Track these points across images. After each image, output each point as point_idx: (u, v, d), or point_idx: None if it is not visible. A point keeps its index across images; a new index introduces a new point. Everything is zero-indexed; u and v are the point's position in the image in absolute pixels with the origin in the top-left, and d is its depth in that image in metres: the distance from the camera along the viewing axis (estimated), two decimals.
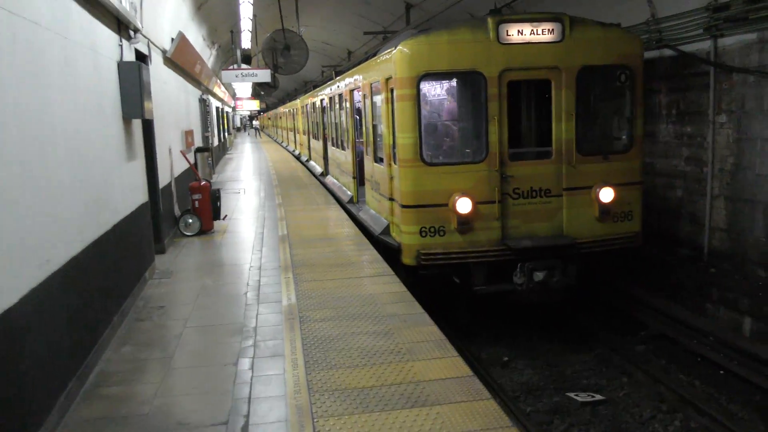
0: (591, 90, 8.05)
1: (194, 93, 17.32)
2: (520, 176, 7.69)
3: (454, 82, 8.31)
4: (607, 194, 7.75)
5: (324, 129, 17.55)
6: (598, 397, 6.84)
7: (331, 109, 15.87)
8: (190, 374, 5.15)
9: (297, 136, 29.72)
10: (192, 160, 13.95)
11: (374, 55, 10.37)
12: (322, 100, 17.81)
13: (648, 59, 8.34)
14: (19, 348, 3.78)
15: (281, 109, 44.00)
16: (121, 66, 7.15)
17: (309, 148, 23.33)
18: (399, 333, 5.58)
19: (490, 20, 7.47)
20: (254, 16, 17.15)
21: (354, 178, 12.53)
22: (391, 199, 8.55)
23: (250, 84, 32.45)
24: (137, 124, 8.04)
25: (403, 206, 7.85)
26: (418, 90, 7.58)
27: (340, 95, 13.76)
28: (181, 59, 12.70)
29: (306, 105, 23.38)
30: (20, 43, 4.18)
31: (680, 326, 8.23)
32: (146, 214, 8.24)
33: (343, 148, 13.82)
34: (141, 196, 7.93)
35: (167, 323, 6.36)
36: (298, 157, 27.70)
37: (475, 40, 7.48)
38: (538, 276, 7.51)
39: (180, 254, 9.58)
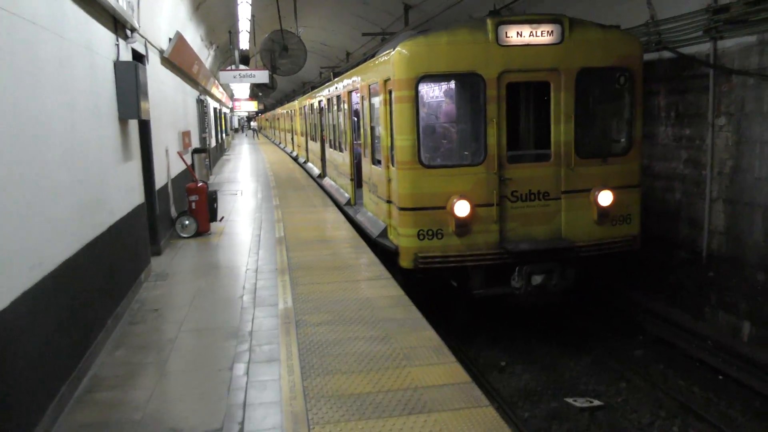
0: (590, 92, 8.01)
1: (192, 93, 17.25)
2: (518, 179, 7.64)
3: (452, 84, 8.26)
4: (605, 197, 7.71)
5: (322, 130, 17.49)
6: (597, 402, 6.78)
7: (329, 111, 15.82)
8: (185, 379, 5.08)
9: (295, 137, 29.66)
10: (189, 161, 13.90)
11: (373, 56, 10.33)
12: (320, 102, 17.75)
13: (647, 61, 8.30)
14: (10, 352, 3.72)
15: (279, 111, 43.95)
16: (118, 66, 7.09)
17: (307, 150, 23.27)
18: (396, 338, 5.52)
19: (489, 22, 7.42)
20: (253, 16, 17.10)
21: (351, 180, 12.47)
22: (389, 202, 8.49)
23: (248, 85, 32.41)
24: (134, 125, 7.97)
25: (401, 209, 7.79)
26: (417, 92, 7.53)
27: (338, 97, 13.71)
28: (178, 59, 12.64)
29: (304, 106, 23.33)
30: (15, 42, 4.12)
31: (679, 330, 8.20)
32: (142, 216, 8.17)
33: (341, 150, 13.77)
34: (137, 197, 7.87)
35: (162, 326, 6.29)
36: (295, 159, 27.64)
37: (474, 42, 7.43)
38: (536, 279, 7.46)
39: (176, 256, 9.51)
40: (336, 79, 14.55)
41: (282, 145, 39.17)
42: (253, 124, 75.53)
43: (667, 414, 6.60)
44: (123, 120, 7.23)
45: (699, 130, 8.31)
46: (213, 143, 25.54)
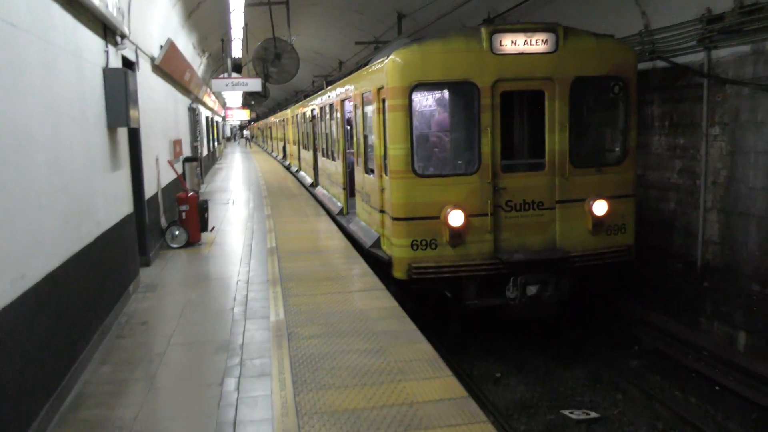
0: (584, 101, 7.98)
1: (183, 101, 17.13)
2: (512, 188, 7.58)
3: (446, 93, 8.20)
4: (600, 207, 7.66)
5: (314, 139, 17.41)
6: (593, 414, 6.70)
7: (321, 119, 15.75)
8: (173, 395, 4.94)
9: (287, 146, 29.57)
10: (180, 170, 13.75)
11: (366, 64, 10.27)
12: (312, 110, 17.68)
13: (641, 71, 8.29)
14: None
15: (272, 119, 43.86)
16: (107, 73, 6.96)
17: (299, 159, 23.18)
18: (391, 351, 5.41)
19: (483, 30, 7.38)
20: (245, 24, 17.03)
21: (344, 189, 12.38)
22: (382, 211, 8.40)
23: (241, 93, 32.31)
24: (123, 133, 7.84)
25: (394, 218, 7.70)
26: (410, 100, 7.46)
27: (331, 105, 13.64)
28: (170, 67, 12.53)
29: (296, 115, 23.25)
30: None
31: (674, 341, 8.13)
32: (131, 226, 8.02)
33: (334, 159, 13.68)
34: (126, 207, 7.72)
35: (150, 340, 6.14)
36: (288, 168, 27.54)
37: (469, 50, 7.38)
38: (531, 290, 7.39)
39: (166, 267, 9.35)
40: (329, 87, 14.49)
41: (274, 154, 39.07)
42: (245, 132, 75.36)
43: (665, 426, 6.53)
44: (112, 128, 7.10)
45: (693, 140, 8.29)
46: (205, 152, 25.38)
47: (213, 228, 12.11)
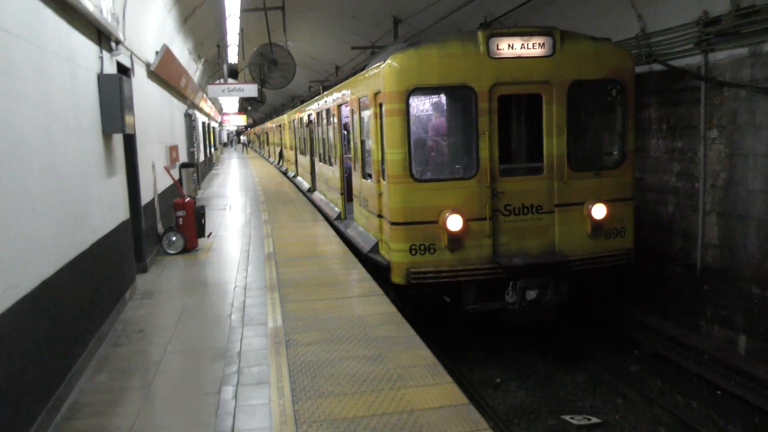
0: (582, 105, 7.95)
1: (179, 107, 17.07)
2: (511, 192, 7.55)
3: (444, 97, 8.18)
4: (599, 210, 7.63)
5: (311, 144, 17.37)
6: (595, 420, 6.64)
7: (318, 124, 15.71)
8: (170, 404, 4.87)
9: (284, 151, 29.53)
10: (176, 176, 13.69)
11: (363, 69, 10.24)
12: (309, 115, 17.65)
13: (638, 74, 8.27)
14: None
15: (268, 125, 43.83)
16: (102, 78, 6.92)
17: (296, 164, 23.14)
18: (390, 357, 5.35)
19: (480, 34, 7.36)
20: (241, 30, 17.00)
21: (342, 194, 12.33)
22: (380, 216, 8.36)
23: (237, 99, 32.27)
24: (118, 139, 7.79)
25: (393, 223, 7.65)
26: (408, 105, 7.43)
27: (328, 110, 13.61)
28: (165, 73, 12.48)
29: (293, 120, 23.22)
30: None
31: (674, 345, 8.09)
32: (127, 233, 7.96)
33: (331, 164, 13.64)
34: (122, 213, 7.66)
35: (146, 348, 6.07)
36: (285, 173, 27.49)
37: (466, 54, 7.36)
38: (531, 294, 7.34)
39: (162, 273, 9.28)
40: (326, 92, 14.47)
41: (271, 159, 39.02)
42: (242, 138, 75.31)
43: (666, 430, 6.47)
44: (107, 134, 7.05)
45: (691, 143, 8.27)
46: (201, 157, 25.31)
47: (210, 234, 12.04)
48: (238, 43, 18.38)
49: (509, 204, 7.55)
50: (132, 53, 9.08)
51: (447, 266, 7.44)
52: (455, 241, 7.39)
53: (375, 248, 8.55)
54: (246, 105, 39.63)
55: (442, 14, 11.41)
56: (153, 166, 10.67)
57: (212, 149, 36.68)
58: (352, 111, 10.50)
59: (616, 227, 7.84)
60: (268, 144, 44.24)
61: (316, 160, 16.52)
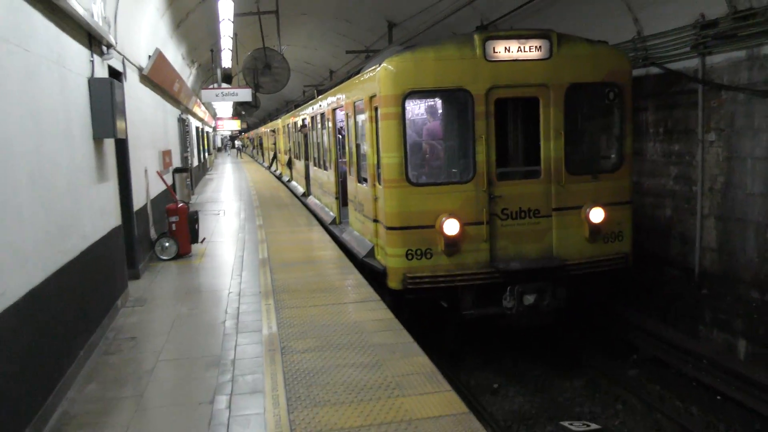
0: (579, 108, 7.90)
1: (173, 112, 16.95)
2: (508, 196, 7.47)
3: (440, 101, 8.11)
4: (597, 214, 7.56)
5: (306, 149, 17.28)
6: (594, 426, 6.56)
7: (313, 129, 15.62)
8: (162, 414, 4.75)
9: (279, 155, 29.41)
10: (170, 181, 13.56)
11: (358, 72, 10.17)
12: (303, 120, 17.57)
13: (635, 77, 8.23)
14: None
15: (262, 129, 43.71)
16: (92, 83, 6.80)
17: (291, 168, 23.03)
18: (387, 365, 5.25)
19: (476, 37, 7.30)
20: (235, 34, 16.91)
21: (337, 198, 12.24)
22: (376, 221, 8.27)
23: (231, 103, 32.15)
24: (110, 144, 7.67)
25: (389, 228, 7.57)
26: (403, 108, 7.35)
27: (323, 114, 13.53)
28: (158, 77, 12.37)
29: (287, 125, 23.13)
30: None
31: (673, 349, 8.03)
32: (119, 239, 7.83)
33: (326, 168, 13.55)
34: (113, 219, 7.54)
35: (138, 357, 5.94)
36: (279, 178, 27.38)
37: (462, 58, 7.29)
38: (529, 299, 7.26)
39: (155, 280, 9.15)
40: (320, 96, 14.38)
41: (265, 164, 38.89)
42: (236, 143, 75.09)
43: None
44: (98, 139, 6.93)
45: (689, 146, 8.23)
46: (195, 162, 25.16)
47: (204, 239, 11.92)
48: (231, 48, 18.29)
49: (506, 208, 7.47)
50: (124, 57, 8.98)
51: (444, 271, 7.36)
52: (452, 245, 7.31)
53: (371, 253, 8.46)
54: (240, 109, 39.50)
55: (437, 18, 11.37)
56: (146, 171, 10.55)
57: (206, 154, 36.53)
58: (347, 115, 10.42)
59: (614, 231, 7.78)
60: (262, 148, 44.12)
61: (311, 164, 16.43)
